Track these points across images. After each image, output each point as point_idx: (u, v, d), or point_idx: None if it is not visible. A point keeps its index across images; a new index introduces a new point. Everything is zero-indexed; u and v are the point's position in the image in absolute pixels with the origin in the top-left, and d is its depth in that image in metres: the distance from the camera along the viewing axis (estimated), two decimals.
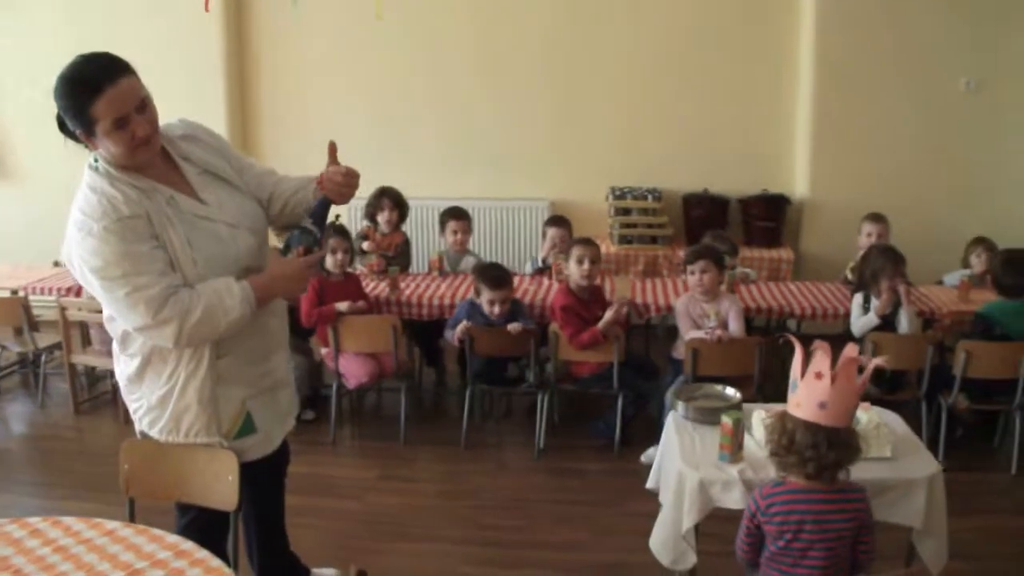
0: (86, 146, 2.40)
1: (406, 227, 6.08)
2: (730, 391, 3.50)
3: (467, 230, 5.93)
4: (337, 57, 7.09)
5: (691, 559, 2.98)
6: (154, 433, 2.64)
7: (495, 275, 4.91)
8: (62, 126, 2.38)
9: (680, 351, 4.91)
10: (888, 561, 2.99)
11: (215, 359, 2.54)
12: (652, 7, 6.90)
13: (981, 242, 5.69)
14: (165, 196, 2.45)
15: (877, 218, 5.77)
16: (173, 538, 2.35)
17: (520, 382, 5.02)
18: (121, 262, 2.32)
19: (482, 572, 3.72)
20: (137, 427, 2.70)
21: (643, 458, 4.79)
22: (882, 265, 4.88)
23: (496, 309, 4.84)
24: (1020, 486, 4.56)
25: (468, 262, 5.90)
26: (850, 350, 2.54)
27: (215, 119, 6.36)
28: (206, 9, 5.38)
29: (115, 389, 5.39)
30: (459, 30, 6.95)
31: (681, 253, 6.44)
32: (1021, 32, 6.54)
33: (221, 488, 2.65)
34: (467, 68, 7.03)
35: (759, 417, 3.13)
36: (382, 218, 5.75)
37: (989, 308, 4.73)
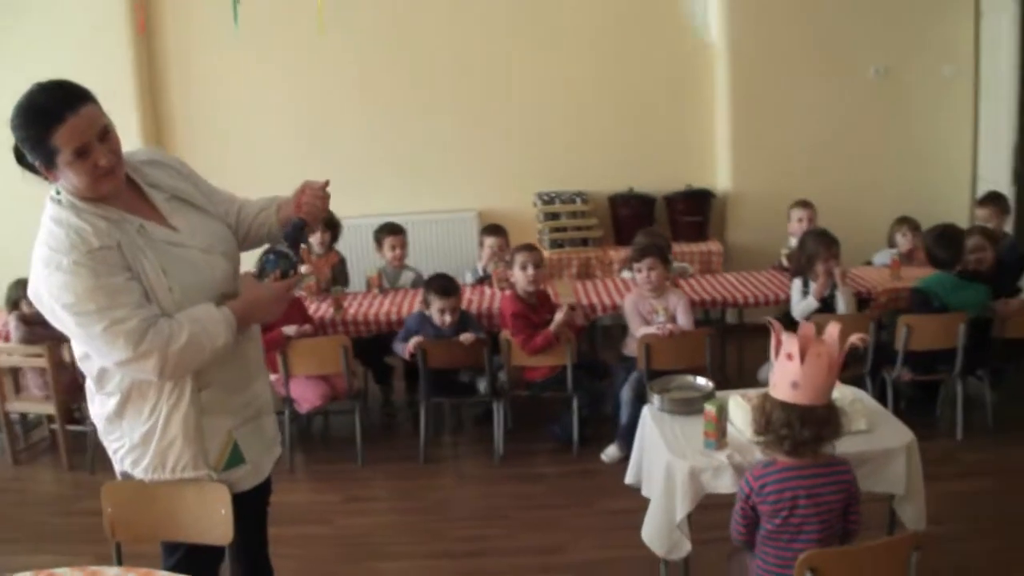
0: (46, 178, 2.30)
1: (338, 247, 6.03)
2: (702, 381, 3.57)
3: (404, 244, 5.91)
4: (260, 72, 6.95)
5: (686, 547, 3.02)
6: (138, 472, 2.54)
7: (444, 284, 4.91)
8: (19, 158, 2.29)
9: (631, 348, 4.98)
10: (871, 530, 3.07)
11: (197, 391, 2.46)
12: (567, 10, 6.98)
13: (905, 221, 5.90)
14: (135, 225, 2.37)
15: (805, 204, 5.95)
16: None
17: (473, 391, 5.02)
18: (95, 296, 2.23)
19: None
20: (118, 468, 2.61)
21: (604, 457, 4.85)
22: (816, 249, 5.03)
23: (447, 318, 4.84)
24: (966, 450, 4.74)
25: (407, 277, 5.89)
26: (807, 330, 2.62)
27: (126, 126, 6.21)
28: (141, 32, 5.26)
29: (53, 435, 5.22)
30: (380, 46, 6.91)
31: (612, 253, 6.60)
32: (924, 20, 6.84)
33: (213, 522, 2.59)
34: (389, 83, 6.99)
35: (736, 403, 3.20)
36: (315, 240, 5.69)
37: (926, 282, 4.91)
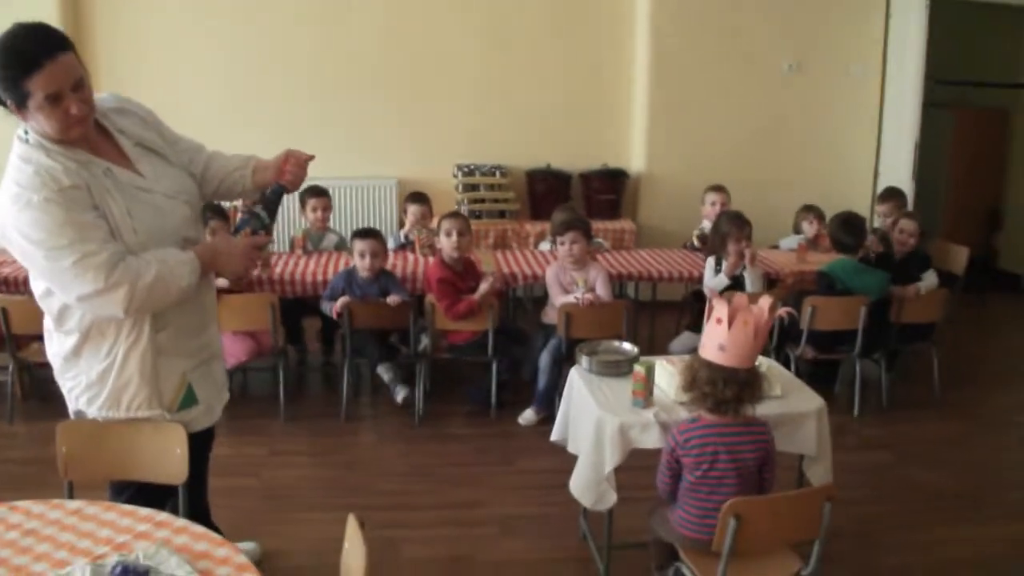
0: (16, 115, 2.34)
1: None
2: (627, 346, 3.77)
3: (327, 207, 5.95)
4: (189, 33, 6.90)
5: (612, 498, 3.21)
6: (92, 411, 2.62)
7: (364, 229, 5.15)
8: None
9: (550, 316, 5.16)
10: (781, 489, 3.30)
11: (154, 332, 2.54)
12: None
13: (810, 209, 6.22)
14: (101, 168, 2.43)
15: (719, 188, 6.21)
16: (146, 511, 2.32)
17: (397, 353, 5.14)
18: (65, 231, 2.28)
19: (394, 534, 3.82)
20: (72, 407, 2.67)
21: (521, 420, 5.03)
22: (729, 229, 5.28)
23: (367, 262, 4.96)
24: (863, 425, 5.06)
25: (330, 240, 5.94)
26: (740, 299, 2.84)
27: None
28: None
29: None
30: (306, 10, 6.92)
31: (528, 227, 6.76)
32: (836, 19, 7.22)
33: (169, 461, 2.66)
34: (314, 48, 7.02)
35: (661, 366, 3.40)
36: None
37: (831, 266, 5.20)
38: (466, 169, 7.01)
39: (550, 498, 4.17)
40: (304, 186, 5.82)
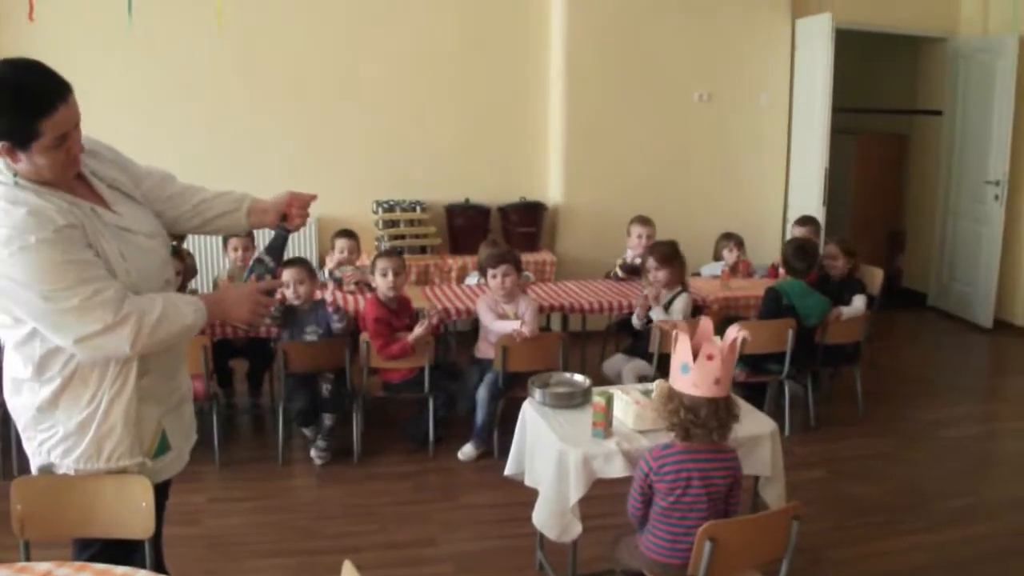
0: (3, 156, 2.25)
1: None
2: (579, 377, 3.78)
3: (248, 247, 5.84)
4: (102, 66, 6.67)
5: (576, 529, 3.22)
6: (68, 463, 2.48)
7: (296, 258, 5.11)
8: None
9: (484, 351, 5.16)
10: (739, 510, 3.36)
11: (139, 378, 2.44)
12: (408, 22, 7.14)
13: (730, 237, 6.37)
14: (85, 209, 2.36)
15: (645, 221, 6.29)
16: (122, 569, 2.22)
17: (322, 407, 5.05)
18: (67, 272, 2.20)
19: None
20: (39, 461, 2.52)
21: (460, 455, 5.01)
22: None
23: (301, 288, 4.92)
24: (794, 444, 5.17)
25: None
26: (733, 331, 2.89)
27: None
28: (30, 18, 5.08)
29: None
30: (224, 46, 6.81)
31: (450, 261, 6.77)
32: (744, 50, 7.47)
33: (134, 516, 2.56)
34: (228, 83, 6.92)
35: (618, 396, 3.43)
36: None
37: (781, 284, 5.42)
38: (386, 205, 6.99)
39: (500, 532, 4.18)
40: None
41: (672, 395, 2.89)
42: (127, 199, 2.56)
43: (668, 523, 2.90)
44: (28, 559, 2.59)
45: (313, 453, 4.99)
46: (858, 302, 5.51)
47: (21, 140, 2.20)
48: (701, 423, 2.84)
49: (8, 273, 2.20)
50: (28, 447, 2.53)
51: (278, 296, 2.56)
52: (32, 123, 2.18)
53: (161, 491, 2.82)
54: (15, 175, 2.27)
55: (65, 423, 2.44)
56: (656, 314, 5.28)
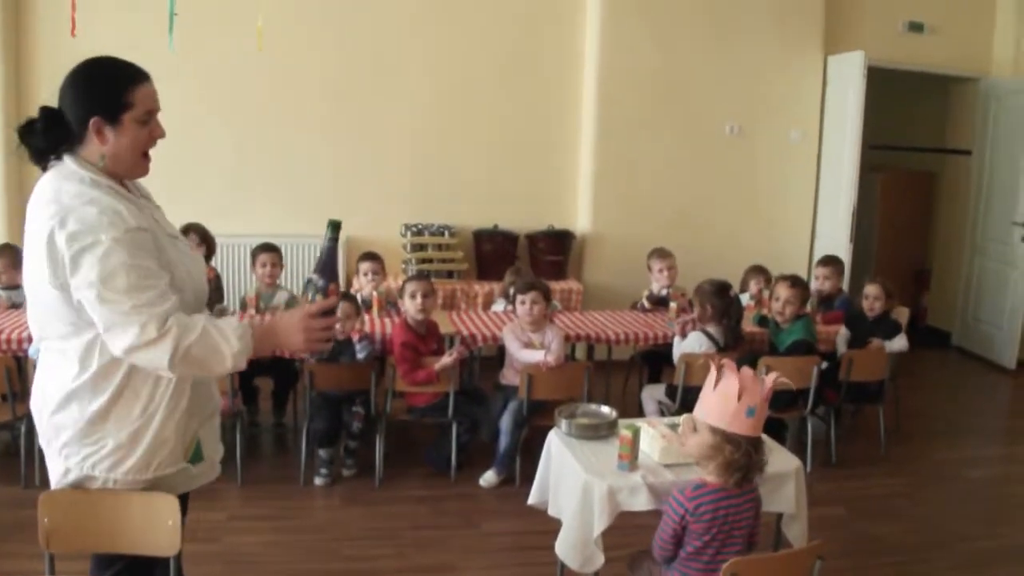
0: (67, 149, 2.30)
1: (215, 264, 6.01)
2: (605, 409, 3.79)
3: (276, 264, 5.89)
4: None
5: (599, 560, 3.22)
6: (115, 475, 2.46)
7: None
8: (52, 124, 2.28)
9: (508, 378, 5.18)
10: (759, 547, 3.36)
11: (192, 391, 2.46)
12: (443, 51, 7.23)
13: (759, 270, 6.37)
14: (149, 213, 2.40)
15: (665, 254, 6.32)
16: None
17: (343, 431, 5.10)
18: (128, 275, 2.21)
19: None
20: (75, 475, 2.48)
21: (482, 482, 5.02)
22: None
23: (347, 326, 4.99)
24: (815, 481, 5.11)
25: (280, 296, 5.87)
26: (746, 374, 2.89)
27: None
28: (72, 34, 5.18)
29: None
30: (254, 66, 6.90)
31: (476, 287, 6.80)
32: (776, 86, 7.50)
33: (160, 533, 2.58)
34: (262, 105, 7.01)
35: (644, 430, 3.44)
36: None
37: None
38: (414, 229, 7.04)
39: (519, 560, 4.19)
40: (254, 243, 5.90)
41: (731, 438, 2.82)
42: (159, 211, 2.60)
43: (701, 562, 2.84)
44: (53, 572, 2.62)
45: (318, 480, 4.99)
46: (901, 340, 5.57)
47: (114, 111, 2.28)
48: (759, 464, 2.86)
49: (76, 267, 2.22)
50: (64, 464, 2.48)
51: (337, 315, 2.38)
52: (124, 92, 2.29)
53: (181, 506, 2.85)
54: (85, 170, 2.31)
55: (116, 435, 2.41)
56: (676, 343, 5.31)
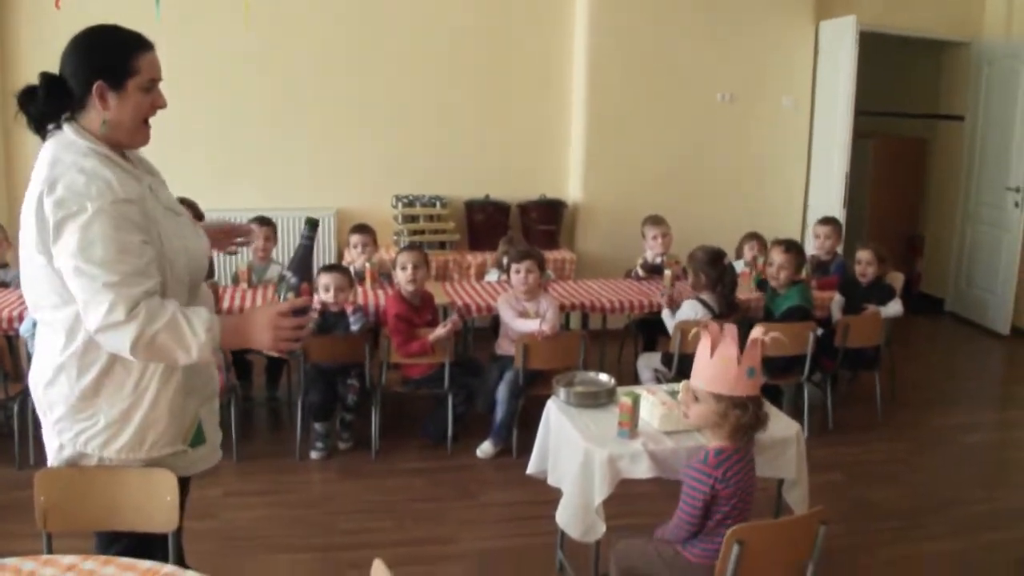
0: (69, 115, 2.28)
1: None
2: (604, 377, 3.77)
3: (271, 237, 5.86)
4: None
5: (600, 529, 3.20)
6: (108, 454, 2.42)
7: (328, 265, 5.12)
8: (53, 90, 2.25)
9: (504, 348, 5.16)
10: (760, 514, 3.35)
11: (185, 367, 2.38)
12: (430, 21, 7.12)
13: (753, 236, 6.34)
14: (145, 184, 2.35)
15: (658, 221, 6.28)
16: (147, 563, 2.19)
17: (339, 404, 5.06)
18: (107, 249, 2.15)
19: (364, 574, 3.74)
20: (69, 452, 2.45)
21: (479, 453, 5.00)
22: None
23: (331, 296, 4.92)
24: (812, 448, 4.90)
25: (274, 270, 5.83)
26: (758, 331, 2.87)
27: None
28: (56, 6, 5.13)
29: None
30: (242, 40, 6.79)
31: (469, 257, 6.75)
32: (767, 53, 7.44)
33: (158, 510, 2.54)
34: (250, 78, 6.92)
35: (644, 396, 3.41)
36: None
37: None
38: (406, 200, 6.98)
39: (518, 530, 4.18)
40: (247, 217, 5.85)
41: (738, 401, 2.82)
42: (162, 184, 2.55)
43: (724, 526, 2.74)
44: (51, 551, 2.57)
45: (314, 454, 4.96)
46: (896, 306, 5.56)
47: (119, 76, 2.25)
48: (764, 419, 2.87)
49: (59, 233, 2.18)
50: (58, 439, 2.45)
51: (309, 315, 2.30)
52: (130, 58, 2.26)
53: (182, 486, 2.81)
54: (79, 136, 2.27)
55: (107, 412, 2.38)
56: (665, 315, 5.29)
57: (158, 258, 2.29)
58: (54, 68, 2.29)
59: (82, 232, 2.15)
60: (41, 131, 2.31)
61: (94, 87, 2.24)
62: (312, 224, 2.43)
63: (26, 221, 2.24)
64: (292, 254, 2.50)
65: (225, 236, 2.91)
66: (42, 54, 2.31)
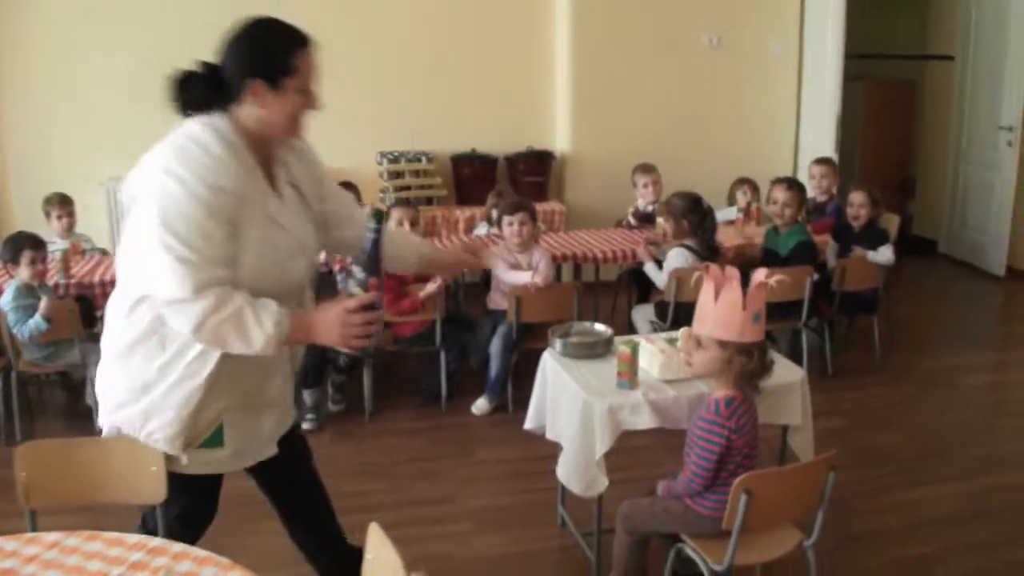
0: (218, 105, 2.26)
1: None
2: (600, 327, 3.67)
3: None
4: (90, 24, 6.53)
5: (603, 483, 3.11)
6: (117, 419, 2.41)
7: None
8: (211, 80, 2.24)
9: (496, 301, 5.07)
10: (765, 462, 3.28)
11: (221, 362, 2.31)
12: None
13: (745, 182, 6.24)
14: (259, 186, 2.30)
15: (649, 169, 6.18)
16: (135, 537, 2.13)
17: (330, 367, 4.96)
18: (191, 228, 2.12)
19: (363, 537, 3.66)
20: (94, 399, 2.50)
21: (474, 409, 4.93)
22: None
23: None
24: (812, 393, 5.00)
25: None
26: (760, 275, 2.78)
27: None
28: None
29: None
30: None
31: (457, 212, 6.65)
32: None
33: (144, 481, 2.45)
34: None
35: (643, 345, 3.32)
36: None
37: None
38: (390, 156, 6.85)
39: (518, 487, 4.12)
40: None
41: (743, 349, 2.72)
42: (299, 204, 2.48)
43: (736, 476, 2.63)
44: (35, 529, 2.47)
45: (305, 425, 4.73)
46: (886, 251, 5.42)
47: (277, 75, 2.23)
48: (768, 367, 2.79)
49: (154, 198, 2.15)
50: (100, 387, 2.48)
51: (379, 312, 2.34)
52: (289, 56, 2.24)
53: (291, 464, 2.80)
54: (227, 130, 2.25)
55: (131, 379, 2.35)
56: (649, 268, 5.19)
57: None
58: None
59: (174, 205, 2.12)
60: (187, 114, 2.28)
61: (251, 84, 2.22)
62: (378, 216, 2.31)
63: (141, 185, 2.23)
64: (362, 248, 2.34)
65: (458, 263, 3.00)
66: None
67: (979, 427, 4.86)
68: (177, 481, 2.45)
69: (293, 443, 2.78)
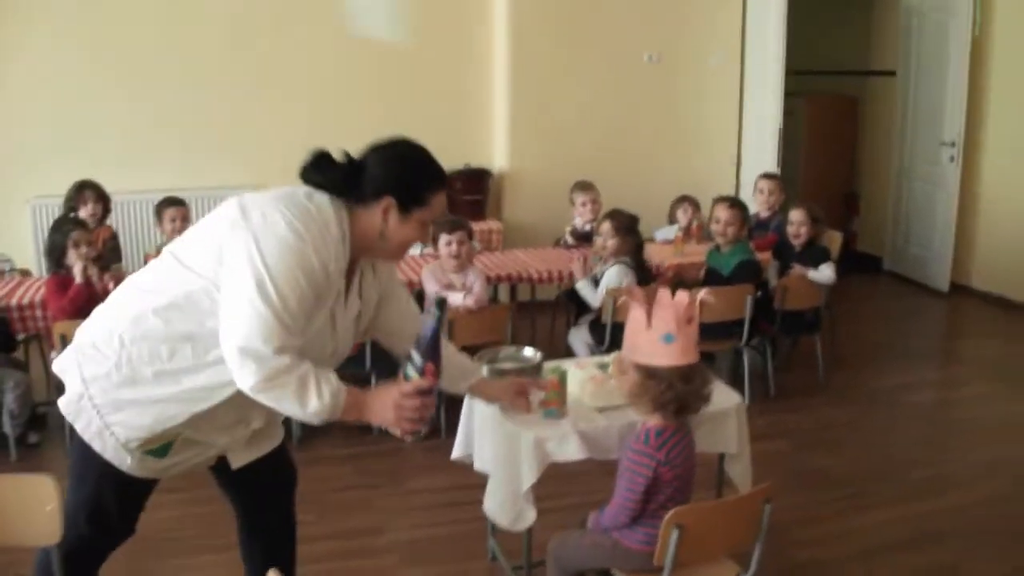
0: (345, 197, 2.30)
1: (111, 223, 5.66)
2: (529, 351, 3.49)
3: (185, 218, 5.54)
4: (27, 41, 6.31)
5: (530, 516, 2.95)
6: (93, 391, 2.30)
7: None
8: (351, 175, 2.30)
9: None
10: (700, 491, 3.14)
11: (223, 402, 2.30)
12: None
13: (685, 199, 6.15)
14: (339, 284, 2.32)
15: (587, 187, 6.08)
16: None
17: None
18: (294, 289, 2.15)
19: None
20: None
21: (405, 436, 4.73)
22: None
23: None
24: (754, 415, 4.85)
25: None
26: (663, 297, 2.64)
27: None
28: None
29: None
30: (150, 10, 6.45)
31: None
32: (693, 9, 7.25)
33: (37, 520, 2.33)
34: (156, 54, 6.52)
35: (572, 372, 3.18)
36: (85, 212, 5.33)
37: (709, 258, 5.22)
38: None
39: (449, 517, 3.97)
40: (159, 197, 5.53)
41: (653, 373, 2.58)
42: (355, 317, 2.50)
43: (666, 509, 2.52)
44: None
45: None
46: (827, 270, 5.30)
47: (413, 202, 2.30)
48: (697, 394, 2.61)
49: (258, 243, 2.14)
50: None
51: (433, 397, 2.43)
52: (428, 190, 2.33)
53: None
54: (345, 221, 2.28)
55: (126, 362, 2.27)
56: (581, 286, 5.06)
57: None
58: None
59: (288, 260, 2.15)
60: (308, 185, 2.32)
61: (385, 199, 2.27)
62: (441, 304, 2.38)
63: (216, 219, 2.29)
64: (421, 332, 2.36)
65: (518, 393, 2.91)
66: None
67: (924, 446, 4.79)
68: (106, 473, 2.40)
69: (279, 470, 2.85)
